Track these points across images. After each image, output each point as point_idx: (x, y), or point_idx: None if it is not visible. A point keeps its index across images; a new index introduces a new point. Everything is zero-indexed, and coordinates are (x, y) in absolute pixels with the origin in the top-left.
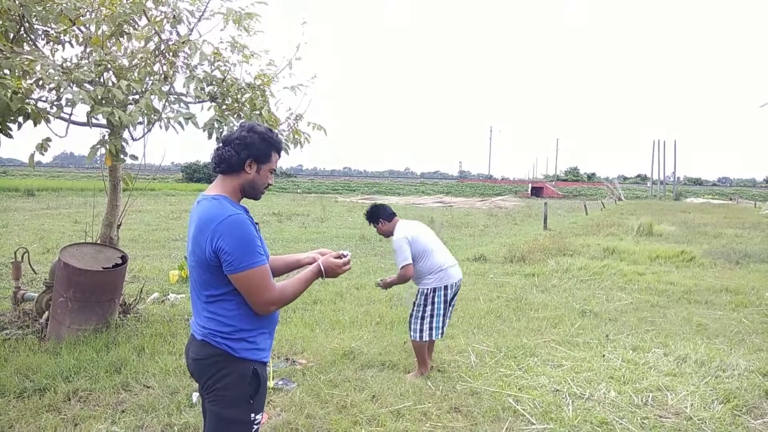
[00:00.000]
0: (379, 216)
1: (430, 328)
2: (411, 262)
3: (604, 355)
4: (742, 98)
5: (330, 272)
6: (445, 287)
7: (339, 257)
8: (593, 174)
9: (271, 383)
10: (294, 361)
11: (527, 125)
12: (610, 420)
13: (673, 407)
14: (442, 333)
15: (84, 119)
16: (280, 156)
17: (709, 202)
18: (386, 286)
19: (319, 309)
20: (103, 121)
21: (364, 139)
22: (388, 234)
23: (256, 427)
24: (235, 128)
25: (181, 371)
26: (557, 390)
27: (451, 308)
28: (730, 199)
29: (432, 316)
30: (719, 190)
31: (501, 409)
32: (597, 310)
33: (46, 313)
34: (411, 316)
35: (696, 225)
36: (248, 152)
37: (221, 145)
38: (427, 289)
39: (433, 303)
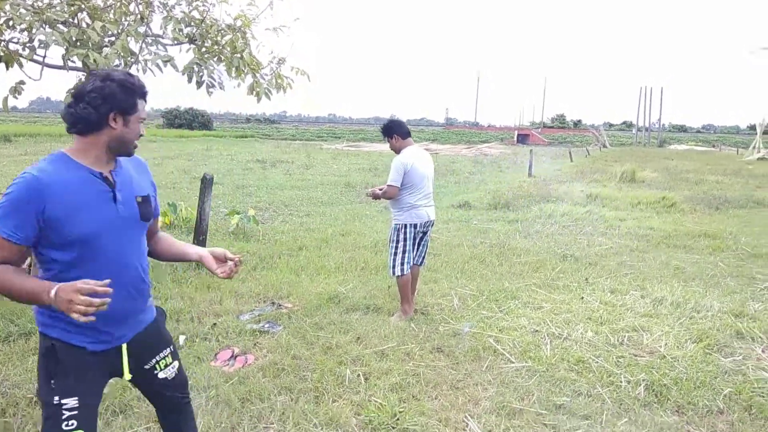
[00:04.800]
0: (394, 131)
1: (402, 263)
2: (397, 185)
3: (582, 298)
4: (731, 46)
5: (62, 303)
6: (414, 225)
7: (224, 259)
8: (579, 121)
9: (257, 326)
10: (280, 305)
11: (515, 72)
12: (586, 358)
13: (647, 346)
14: (410, 266)
15: (59, 62)
16: (146, 102)
17: (692, 149)
18: (374, 197)
19: (304, 255)
20: (79, 64)
21: (350, 86)
22: (397, 151)
23: (66, 413)
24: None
25: (167, 315)
26: (536, 331)
27: (423, 247)
28: (714, 146)
29: (401, 251)
30: (703, 137)
31: (482, 348)
32: (578, 255)
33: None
34: (389, 254)
35: (678, 172)
36: (110, 105)
37: (73, 101)
38: (398, 224)
39: (403, 239)
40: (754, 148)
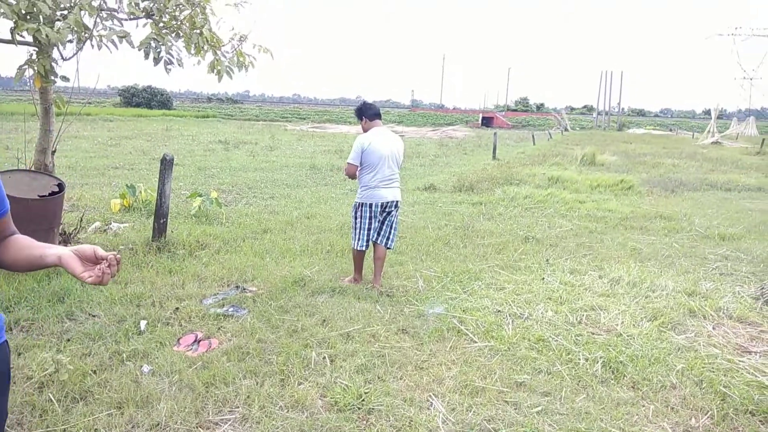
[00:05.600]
0: (363, 114)
1: (357, 239)
2: (355, 163)
3: (543, 278)
4: (689, 32)
5: None
6: (370, 205)
7: (94, 259)
8: (542, 105)
9: (221, 310)
10: (244, 289)
11: (480, 55)
12: (546, 337)
13: (605, 325)
14: (366, 245)
15: (8, 36)
16: None
17: (650, 133)
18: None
19: (269, 238)
20: (30, 39)
21: (315, 66)
22: (365, 132)
23: None
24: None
25: (128, 300)
26: (499, 311)
27: (388, 228)
28: (670, 130)
29: (358, 228)
30: (660, 121)
31: (446, 329)
32: (539, 237)
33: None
34: None
35: (636, 155)
36: None
37: None
38: (356, 203)
39: (359, 217)
40: (708, 132)
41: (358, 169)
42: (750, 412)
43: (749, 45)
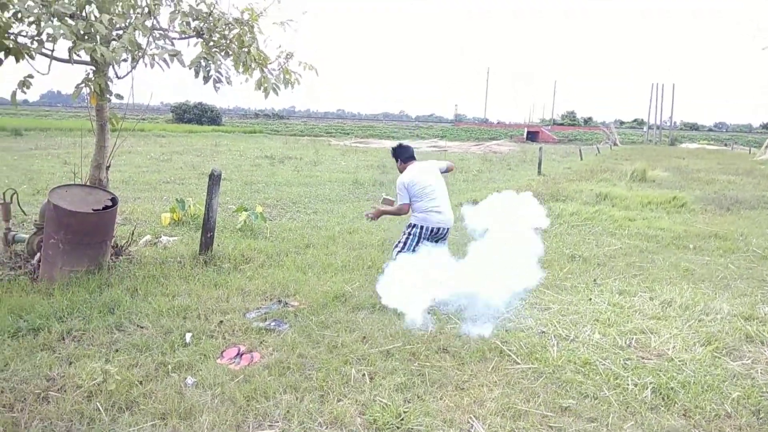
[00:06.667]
0: (398, 156)
1: (397, 251)
2: (406, 202)
3: (590, 299)
4: (744, 42)
5: None
6: (422, 227)
7: None
8: (590, 118)
9: (263, 324)
10: (286, 303)
11: (525, 68)
12: (593, 360)
13: (655, 349)
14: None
15: (66, 55)
16: None
17: (703, 148)
18: (376, 215)
19: (311, 253)
20: (86, 58)
21: (359, 81)
22: (401, 173)
23: None
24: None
25: (174, 312)
26: (543, 332)
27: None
28: (725, 145)
29: (404, 243)
30: (715, 135)
31: (488, 349)
32: (586, 255)
33: (38, 254)
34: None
35: (689, 171)
36: None
37: None
38: (410, 222)
39: (409, 234)
40: (766, 147)
41: (410, 204)
42: None
43: None
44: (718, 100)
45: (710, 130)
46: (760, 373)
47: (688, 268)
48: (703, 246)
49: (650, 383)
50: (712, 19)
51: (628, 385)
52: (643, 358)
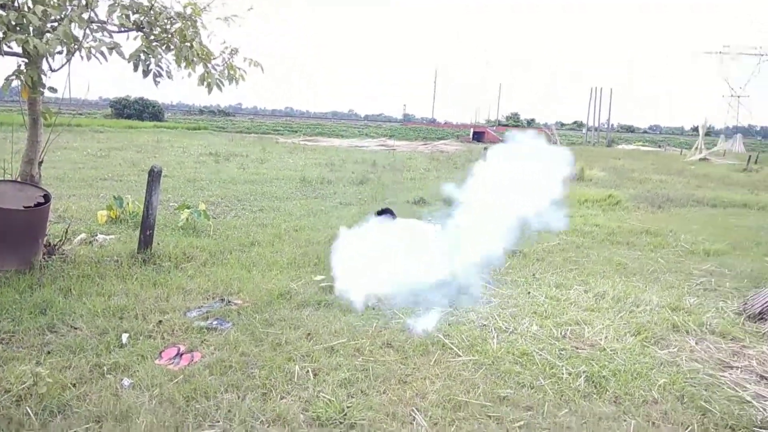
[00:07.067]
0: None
1: None
2: None
3: (529, 293)
4: (677, 49)
5: None
6: None
7: None
8: (533, 120)
9: (205, 323)
10: (229, 302)
11: (472, 70)
12: (530, 351)
13: (589, 339)
14: None
15: None
16: None
17: (638, 149)
18: None
19: (256, 250)
20: (18, 50)
21: (307, 79)
22: None
23: None
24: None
25: (110, 312)
26: (484, 325)
27: None
28: (659, 147)
29: None
30: (649, 137)
31: (430, 343)
32: (526, 251)
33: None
34: None
35: (625, 171)
36: None
37: None
38: None
39: None
40: (696, 149)
41: None
42: (730, 428)
43: (737, 63)
44: (653, 104)
45: (645, 132)
46: (685, 360)
47: (620, 263)
48: (636, 241)
49: (583, 372)
50: (650, 26)
51: (563, 374)
52: (577, 348)
